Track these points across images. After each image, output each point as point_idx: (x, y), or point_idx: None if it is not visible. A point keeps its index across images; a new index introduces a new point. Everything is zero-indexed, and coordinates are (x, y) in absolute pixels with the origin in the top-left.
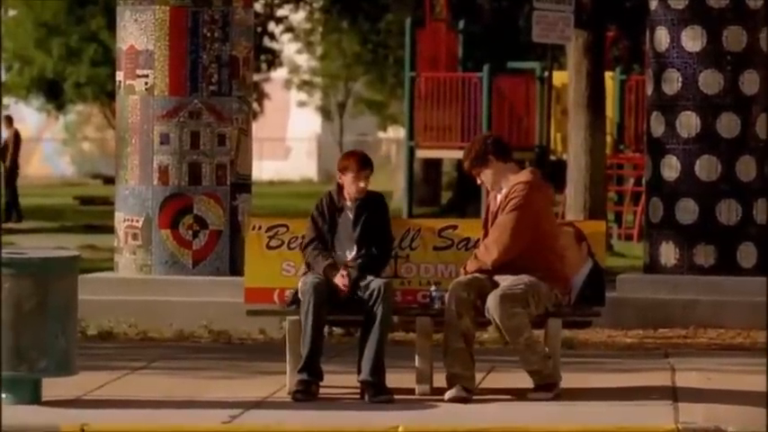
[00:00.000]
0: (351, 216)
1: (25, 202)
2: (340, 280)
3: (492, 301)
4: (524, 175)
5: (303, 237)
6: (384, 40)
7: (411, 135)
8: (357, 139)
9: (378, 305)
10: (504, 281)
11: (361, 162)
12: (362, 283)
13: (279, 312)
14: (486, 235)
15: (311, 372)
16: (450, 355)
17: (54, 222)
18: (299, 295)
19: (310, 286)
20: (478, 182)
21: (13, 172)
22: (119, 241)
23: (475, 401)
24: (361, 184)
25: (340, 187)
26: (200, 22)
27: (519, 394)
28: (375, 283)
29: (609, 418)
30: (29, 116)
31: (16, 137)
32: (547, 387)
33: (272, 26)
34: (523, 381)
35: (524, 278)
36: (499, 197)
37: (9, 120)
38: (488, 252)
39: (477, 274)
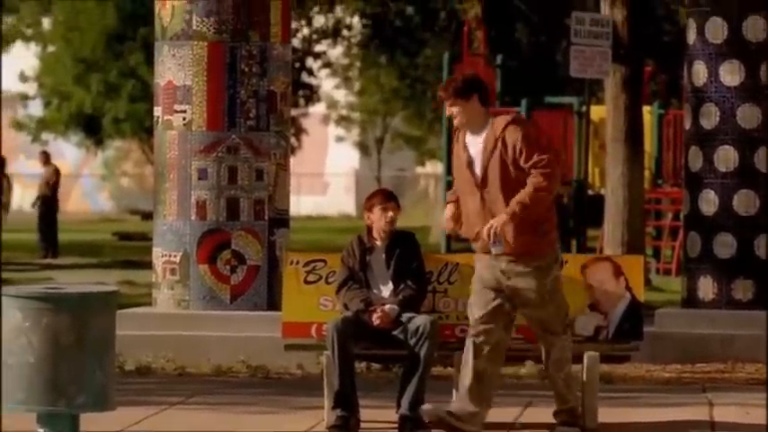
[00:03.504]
0: (383, 255)
1: (64, 238)
2: (378, 317)
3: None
4: (509, 116)
5: (336, 281)
6: (422, 75)
7: (449, 170)
8: (395, 174)
9: (423, 342)
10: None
11: (386, 195)
12: (404, 320)
13: (316, 347)
14: (475, 185)
15: (345, 407)
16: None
17: (92, 258)
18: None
19: (332, 324)
20: (447, 113)
21: (52, 208)
22: (157, 276)
23: None
24: (390, 214)
25: (369, 229)
26: (238, 57)
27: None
28: (421, 319)
29: None
30: (68, 152)
31: (57, 173)
32: (574, 422)
33: (310, 61)
34: None
35: (539, 287)
36: (479, 140)
37: (46, 156)
38: (549, 179)
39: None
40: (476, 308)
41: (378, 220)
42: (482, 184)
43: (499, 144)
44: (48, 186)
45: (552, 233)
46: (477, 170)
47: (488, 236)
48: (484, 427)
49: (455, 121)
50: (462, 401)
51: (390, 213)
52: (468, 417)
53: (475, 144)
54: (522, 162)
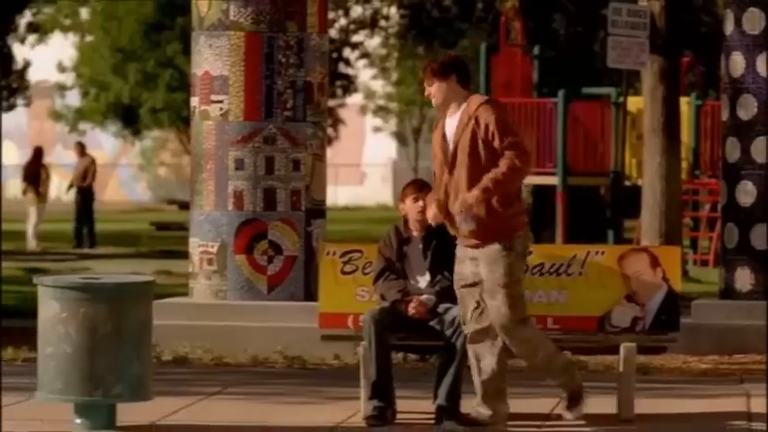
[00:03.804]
0: (420, 246)
1: (101, 228)
2: (414, 307)
3: (498, 332)
4: (483, 97)
5: (372, 271)
6: None
7: None
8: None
9: (460, 333)
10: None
11: (418, 185)
12: (440, 311)
13: (353, 338)
14: (446, 164)
15: (382, 397)
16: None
17: (130, 248)
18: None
19: (368, 315)
20: (426, 93)
21: (89, 199)
22: (194, 267)
23: (548, 427)
24: (421, 203)
25: (405, 219)
26: (275, 47)
27: (593, 421)
28: (456, 310)
29: None
30: (105, 142)
31: (93, 164)
32: (577, 397)
33: (347, 52)
34: (599, 407)
35: (499, 277)
36: (455, 121)
37: (81, 147)
38: (523, 161)
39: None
40: (464, 317)
41: (410, 209)
42: (451, 161)
43: (472, 122)
44: (82, 177)
45: (518, 220)
46: (450, 147)
47: (460, 211)
48: (521, 418)
49: (432, 102)
50: (479, 406)
51: (421, 203)
52: (490, 420)
53: (451, 125)
54: (495, 143)
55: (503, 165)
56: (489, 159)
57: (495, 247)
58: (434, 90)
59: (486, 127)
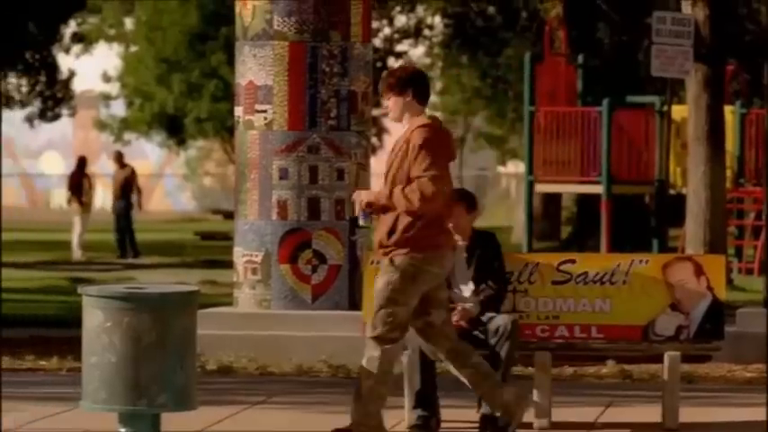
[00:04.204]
0: (464, 255)
1: (146, 238)
2: (457, 317)
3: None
4: (425, 119)
5: None
6: (503, 75)
7: (530, 169)
8: (476, 174)
9: (504, 342)
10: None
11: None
12: (484, 319)
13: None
14: (388, 180)
15: (426, 406)
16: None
17: (175, 258)
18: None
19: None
20: (383, 105)
21: (128, 208)
22: (238, 276)
23: None
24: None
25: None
26: (319, 57)
27: (637, 429)
28: (501, 319)
29: None
30: (150, 152)
31: (134, 174)
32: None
33: (391, 61)
34: (643, 416)
35: (377, 289)
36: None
37: (120, 156)
38: (403, 197)
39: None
40: None
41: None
42: (386, 175)
43: (406, 144)
44: (121, 187)
45: (419, 242)
46: (388, 162)
47: (355, 203)
48: (566, 427)
49: (389, 116)
50: (487, 405)
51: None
52: (500, 407)
53: (397, 141)
54: (412, 169)
55: (404, 192)
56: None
57: (386, 260)
58: (391, 104)
59: (413, 151)
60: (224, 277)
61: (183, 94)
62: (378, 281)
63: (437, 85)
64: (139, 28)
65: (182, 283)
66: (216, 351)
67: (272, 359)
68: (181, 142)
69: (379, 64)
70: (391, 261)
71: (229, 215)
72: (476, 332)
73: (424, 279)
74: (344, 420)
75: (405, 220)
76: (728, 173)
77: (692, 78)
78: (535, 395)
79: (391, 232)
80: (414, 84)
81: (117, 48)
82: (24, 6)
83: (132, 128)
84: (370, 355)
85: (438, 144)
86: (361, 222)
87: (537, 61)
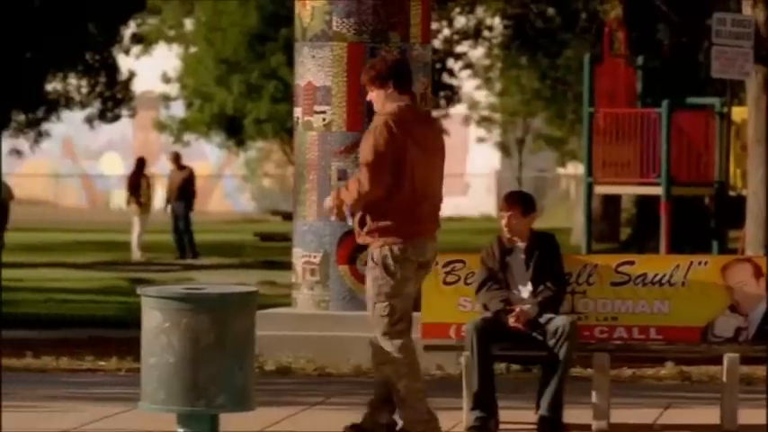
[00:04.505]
0: (522, 256)
1: (206, 239)
2: (515, 319)
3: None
4: (385, 115)
5: (475, 281)
6: (563, 76)
7: (590, 171)
8: (536, 175)
9: (562, 343)
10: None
11: (506, 197)
12: (543, 321)
13: (455, 348)
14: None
15: (484, 408)
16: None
17: (234, 258)
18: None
19: (471, 324)
20: (368, 98)
21: (187, 209)
22: (297, 277)
23: None
24: (503, 221)
25: None
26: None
27: (699, 431)
28: (560, 320)
29: None
30: (210, 153)
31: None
32: None
33: (450, 62)
34: (702, 418)
35: (368, 290)
36: None
37: (177, 157)
38: (348, 191)
39: None
40: None
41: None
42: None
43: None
44: (178, 188)
45: (391, 234)
46: None
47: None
48: (624, 429)
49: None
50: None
51: (503, 221)
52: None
53: None
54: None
55: (347, 185)
56: None
57: (370, 260)
58: (374, 98)
59: (364, 138)
60: (283, 278)
61: (243, 95)
62: (371, 277)
63: (496, 86)
64: (199, 29)
65: (241, 284)
66: (274, 352)
67: (331, 360)
68: (240, 143)
69: (438, 65)
70: (372, 256)
71: (288, 216)
72: (534, 334)
73: (406, 267)
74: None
75: (371, 213)
76: None
77: (752, 80)
78: (594, 396)
79: (362, 226)
80: (393, 75)
81: (177, 49)
82: (84, 7)
83: (192, 129)
84: (391, 357)
85: (396, 131)
86: (350, 223)
87: (596, 62)
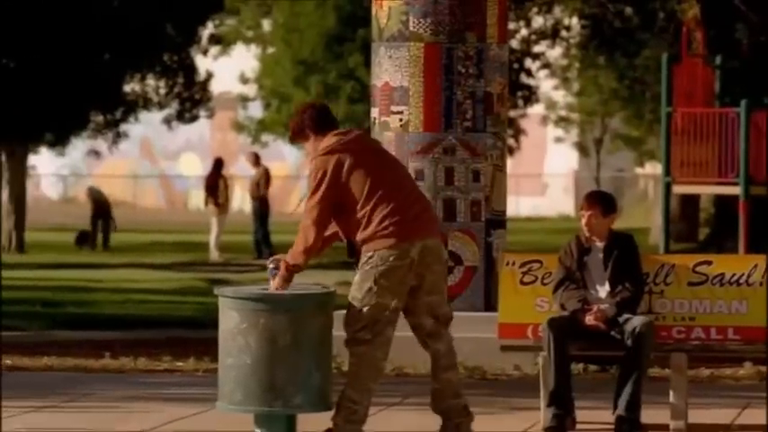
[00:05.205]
0: (600, 255)
1: (284, 239)
2: (593, 317)
3: None
4: (321, 151)
5: (552, 281)
6: (641, 76)
7: (668, 171)
8: (614, 175)
9: (640, 343)
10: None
11: (587, 197)
12: (621, 320)
13: (532, 348)
14: None
15: (561, 406)
16: None
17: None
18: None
19: (548, 324)
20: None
21: (264, 209)
22: None
23: None
24: (582, 220)
25: None
26: (455, 58)
27: None
28: (637, 320)
29: None
30: (288, 153)
31: (267, 174)
32: None
33: (528, 62)
34: None
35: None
36: None
37: (256, 157)
38: (296, 240)
39: None
40: None
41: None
42: None
43: None
44: (257, 188)
45: (374, 241)
46: None
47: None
48: (702, 429)
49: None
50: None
51: (582, 220)
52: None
53: None
54: None
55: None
56: None
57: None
58: (306, 148)
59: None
60: None
61: (320, 96)
62: (355, 279)
63: (574, 86)
64: (277, 30)
65: (318, 285)
66: None
67: (408, 360)
68: None
69: (516, 65)
70: (357, 262)
71: None
72: (612, 333)
73: (387, 275)
74: (479, 421)
75: (351, 234)
76: None
77: None
78: (671, 397)
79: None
80: (307, 126)
81: (254, 49)
82: (162, 8)
83: (269, 129)
84: (352, 352)
85: (324, 167)
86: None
87: (674, 62)
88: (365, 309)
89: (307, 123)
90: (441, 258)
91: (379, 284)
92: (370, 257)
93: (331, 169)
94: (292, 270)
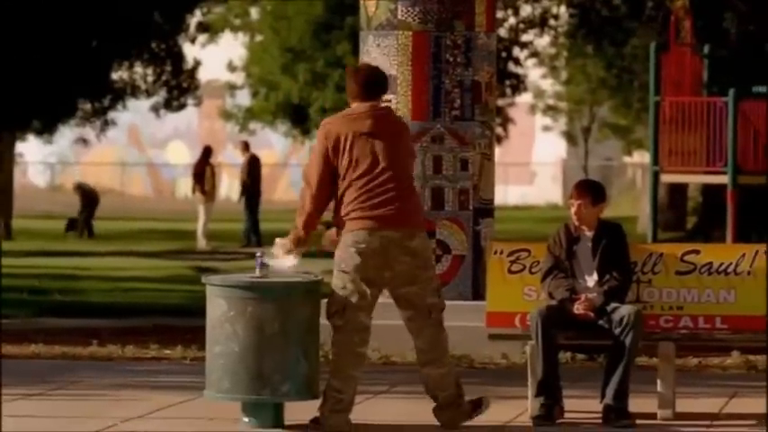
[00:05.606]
0: (589, 245)
1: (271, 227)
2: (581, 306)
3: None
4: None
5: (540, 270)
6: (629, 65)
7: (656, 160)
8: (602, 164)
9: (628, 332)
10: None
11: (577, 186)
12: (609, 309)
13: (520, 337)
14: None
15: (549, 395)
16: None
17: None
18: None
19: (536, 312)
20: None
21: (254, 197)
22: None
23: (717, 427)
24: (572, 209)
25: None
26: (443, 47)
27: (762, 421)
28: (625, 309)
29: None
30: (275, 141)
31: (253, 162)
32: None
33: (516, 51)
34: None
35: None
36: None
37: (245, 145)
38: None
39: None
40: None
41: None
42: None
43: None
44: (247, 175)
45: (351, 221)
46: None
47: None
48: (690, 418)
49: None
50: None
51: (572, 209)
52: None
53: None
54: None
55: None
56: None
57: None
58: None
59: None
60: None
61: (308, 84)
62: None
63: (562, 74)
64: (265, 17)
65: (305, 273)
66: None
67: (396, 349)
68: (305, 132)
69: (504, 54)
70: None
71: None
72: (600, 322)
73: (347, 261)
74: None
75: (337, 206)
76: None
77: None
78: (659, 386)
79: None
80: (348, 91)
81: (242, 37)
82: None
83: (257, 117)
84: (333, 333)
85: (323, 140)
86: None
87: (662, 51)
88: (335, 293)
89: (348, 89)
90: (410, 250)
91: (341, 269)
92: (347, 233)
93: (320, 142)
94: (296, 233)
